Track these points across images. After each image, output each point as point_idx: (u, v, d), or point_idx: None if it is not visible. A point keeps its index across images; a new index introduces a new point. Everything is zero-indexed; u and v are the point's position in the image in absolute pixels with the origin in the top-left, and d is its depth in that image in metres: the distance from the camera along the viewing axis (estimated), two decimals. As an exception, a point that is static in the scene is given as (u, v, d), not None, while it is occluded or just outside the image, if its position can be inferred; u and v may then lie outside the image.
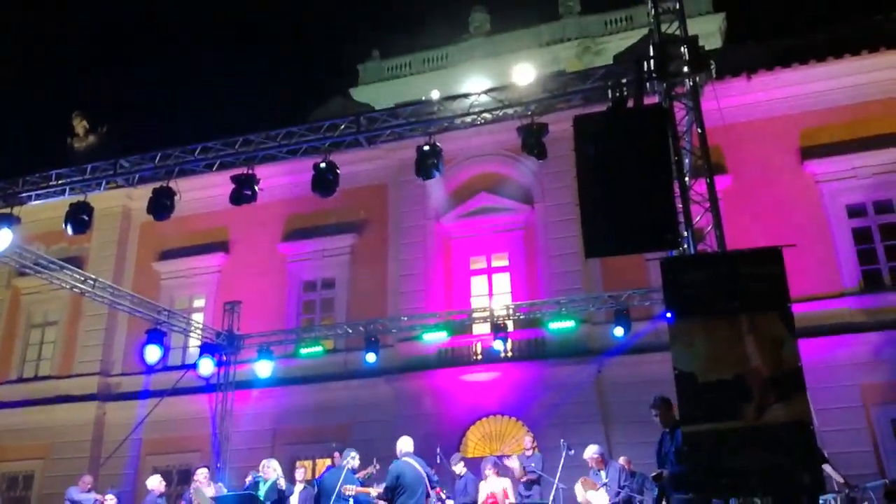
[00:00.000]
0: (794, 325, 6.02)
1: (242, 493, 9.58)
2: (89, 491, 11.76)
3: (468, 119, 8.78)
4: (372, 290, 17.20)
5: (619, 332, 12.26)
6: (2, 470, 18.36)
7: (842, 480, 8.91)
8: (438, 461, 10.85)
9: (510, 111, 8.62)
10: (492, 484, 9.96)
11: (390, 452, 9.34)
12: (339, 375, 16.46)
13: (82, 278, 12.51)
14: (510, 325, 14.42)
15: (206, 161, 9.40)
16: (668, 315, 6.27)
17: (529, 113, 8.48)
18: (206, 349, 13.64)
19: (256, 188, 9.02)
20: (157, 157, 9.43)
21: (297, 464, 14.67)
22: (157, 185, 9.29)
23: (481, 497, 10.03)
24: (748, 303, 6.06)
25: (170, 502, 12.15)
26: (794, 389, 5.81)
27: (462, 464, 10.57)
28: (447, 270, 17.01)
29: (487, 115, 8.69)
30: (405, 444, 9.20)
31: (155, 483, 11.14)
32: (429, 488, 8.94)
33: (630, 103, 7.61)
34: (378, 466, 10.98)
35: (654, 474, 7.15)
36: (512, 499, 9.83)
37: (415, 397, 15.79)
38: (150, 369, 16.62)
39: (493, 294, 16.65)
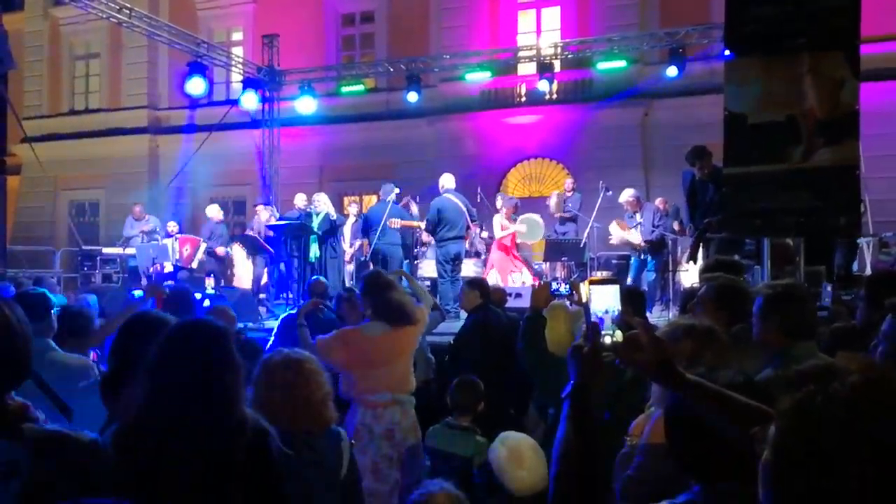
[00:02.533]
0: (858, 66, 5.68)
1: (295, 222, 10.06)
2: (141, 220, 12.17)
3: None
4: (413, 24, 16.50)
5: (672, 71, 11.63)
6: (69, 198, 19.66)
7: None
8: (479, 200, 11.18)
9: None
10: (504, 222, 10.06)
11: (433, 191, 9.62)
12: (381, 115, 16.49)
13: (118, 7, 12.18)
14: (557, 65, 13.90)
15: None
16: (727, 52, 5.94)
17: None
18: (248, 84, 13.56)
19: None
20: None
21: (347, 199, 15.33)
22: None
23: (496, 233, 10.08)
24: (814, 40, 5.67)
25: (228, 229, 12.87)
26: (846, 133, 5.64)
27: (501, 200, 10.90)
28: (493, 3, 16.08)
29: None
30: (447, 181, 9.42)
31: (214, 212, 11.62)
32: (469, 222, 9.32)
33: None
34: (416, 200, 11.40)
35: (704, 223, 7.23)
36: (498, 234, 9.94)
37: (456, 139, 15.87)
38: (195, 103, 16.85)
39: (540, 31, 15.86)
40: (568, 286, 7.80)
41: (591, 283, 1.52)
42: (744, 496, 1.02)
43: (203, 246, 11.15)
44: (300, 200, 10.69)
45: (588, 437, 1.36)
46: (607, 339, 1.45)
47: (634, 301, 4.09)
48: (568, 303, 4.65)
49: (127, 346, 2.30)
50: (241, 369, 2.04)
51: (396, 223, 9.61)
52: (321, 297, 5.79)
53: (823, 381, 0.94)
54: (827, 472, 0.88)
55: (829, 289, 6.99)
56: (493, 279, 9.17)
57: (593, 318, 1.47)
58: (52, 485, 1.64)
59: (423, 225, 9.73)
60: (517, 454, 3.26)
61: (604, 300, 1.49)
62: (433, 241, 9.75)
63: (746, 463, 1.14)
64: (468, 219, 9.25)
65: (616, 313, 1.47)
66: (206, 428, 1.91)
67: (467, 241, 10.01)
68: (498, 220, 9.91)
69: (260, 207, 11.27)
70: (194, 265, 10.86)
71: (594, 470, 1.33)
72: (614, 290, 1.50)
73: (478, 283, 5.84)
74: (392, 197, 9.81)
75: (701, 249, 7.36)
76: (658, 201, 10.32)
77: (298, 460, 2.43)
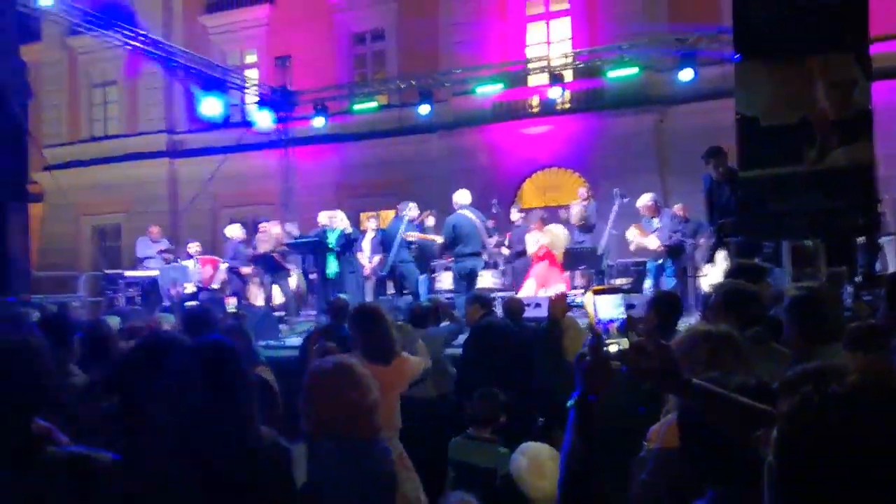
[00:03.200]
0: (870, 67, 5.65)
1: (311, 239, 10.16)
2: (158, 242, 12.21)
3: None
4: (423, 40, 16.60)
5: (686, 75, 11.57)
6: (92, 223, 19.96)
7: None
8: (495, 212, 11.21)
9: None
10: (538, 236, 10.22)
11: (448, 206, 9.66)
12: (394, 131, 16.58)
13: (133, 34, 12.41)
14: (568, 75, 13.93)
15: None
16: (736, 56, 5.94)
17: None
18: (262, 104, 13.76)
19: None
20: None
21: (363, 216, 15.41)
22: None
23: (531, 248, 10.31)
24: (823, 41, 5.66)
25: (250, 248, 12.89)
26: (860, 133, 5.61)
27: (517, 212, 10.92)
28: (502, 16, 16.15)
29: None
30: (462, 197, 9.47)
31: (235, 231, 11.60)
32: (485, 238, 9.35)
33: None
34: (434, 213, 11.45)
35: (717, 223, 7.23)
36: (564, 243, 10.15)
37: (470, 152, 15.91)
38: (212, 126, 17.09)
39: (550, 42, 15.91)
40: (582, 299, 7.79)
41: (595, 292, 1.53)
42: (758, 501, 1.02)
43: (223, 266, 11.23)
44: (323, 218, 10.76)
45: (592, 445, 1.37)
46: (613, 348, 1.46)
47: (668, 305, 4.02)
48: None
49: (139, 367, 2.33)
50: (255, 388, 2.07)
51: (413, 236, 9.67)
52: (341, 314, 5.82)
53: (822, 382, 0.94)
54: (828, 474, 0.89)
55: (849, 289, 6.91)
56: (529, 291, 9.29)
57: (598, 327, 1.48)
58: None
59: (439, 238, 9.77)
60: (537, 464, 3.26)
61: (607, 309, 1.50)
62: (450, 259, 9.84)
63: (758, 468, 1.14)
64: (484, 234, 9.29)
65: (621, 321, 1.48)
66: (220, 448, 1.94)
67: (485, 255, 10.07)
68: (533, 238, 10.03)
69: (265, 225, 11.18)
70: (215, 285, 10.96)
71: (599, 478, 1.34)
72: (617, 298, 1.51)
73: (478, 297, 5.98)
74: (409, 213, 9.86)
75: (720, 251, 7.32)
76: (676, 207, 10.25)
77: (353, 469, 2.43)
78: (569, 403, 1.43)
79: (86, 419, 2.25)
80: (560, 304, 3.83)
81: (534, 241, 9.98)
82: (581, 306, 6.88)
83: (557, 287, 9.77)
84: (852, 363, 0.97)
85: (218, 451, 1.93)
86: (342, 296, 6.91)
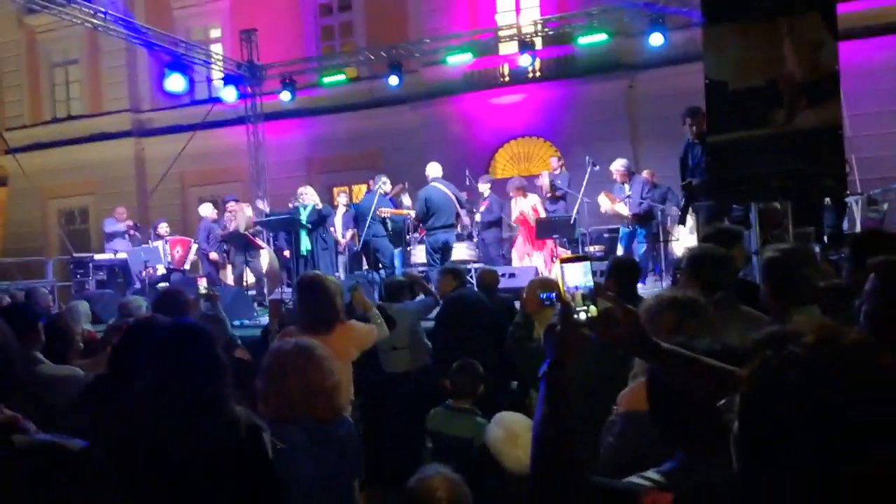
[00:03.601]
0: (836, 26, 5.65)
1: (284, 217, 10.08)
2: (124, 220, 12.11)
3: None
4: (391, 10, 16.40)
5: (656, 39, 11.51)
6: (58, 206, 19.58)
7: None
8: (468, 184, 11.17)
9: None
10: (520, 204, 10.32)
11: (421, 178, 9.61)
12: (365, 104, 16.41)
13: (92, 12, 12.06)
14: (538, 43, 13.83)
15: None
16: (704, 19, 5.91)
17: None
18: (228, 80, 13.51)
19: None
20: None
21: (336, 190, 15.29)
22: None
23: (513, 217, 10.45)
24: (790, 2, 5.64)
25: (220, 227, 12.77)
26: (828, 94, 5.62)
27: (487, 185, 10.91)
28: (470, -16, 15.97)
29: None
30: (433, 170, 9.43)
31: (207, 211, 11.46)
32: (458, 209, 9.33)
33: None
34: (407, 187, 11.39)
35: (683, 183, 7.30)
36: (542, 213, 10.23)
37: (442, 123, 15.82)
38: (178, 103, 16.77)
39: (520, 9, 15.78)
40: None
41: (562, 261, 1.52)
42: (727, 462, 1.03)
43: (194, 247, 11.09)
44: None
45: (564, 416, 1.36)
46: (582, 316, 1.45)
47: (625, 272, 4.08)
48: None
49: (125, 351, 2.31)
50: (228, 369, 2.04)
51: (386, 212, 9.63)
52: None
53: (781, 345, 0.94)
54: (788, 438, 0.89)
55: (816, 249, 7.01)
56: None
57: (566, 293, 1.48)
58: (42, 492, 1.65)
59: (412, 213, 9.75)
60: (512, 434, 3.28)
61: (575, 277, 1.49)
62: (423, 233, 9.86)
63: (726, 429, 1.15)
64: (457, 206, 9.26)
65: (589, 289, 1.47)
66: (196, 429, 1.92)
67: (458, 227, 10.07)
68: (531, 201, 10.15)
69: (233, 204, 11.05)
70: (186, 266, 10.83)
71: (571, 448, 1.34)
72: (585, 266, 1.50)
73: (450, 270, 5.96)
74: (383, 188, 9.79)
75: (690, 214, 7.38)
76: (646, 173, 10.32)
77: (323, 448, 2.43)
78: (539, 373, 1.42)
79: (53, 406, 2.22)
80: (533, 300, 3.85)
81: (517, 210, 10.08)
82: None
83: (536, 258, 9.87)
84: (810, 324, 0.97)
85: (195, 431, 1.91)
86: (312, 273, 6.86)
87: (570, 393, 1.39)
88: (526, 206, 10.26)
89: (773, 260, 2.80)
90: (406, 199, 11.25)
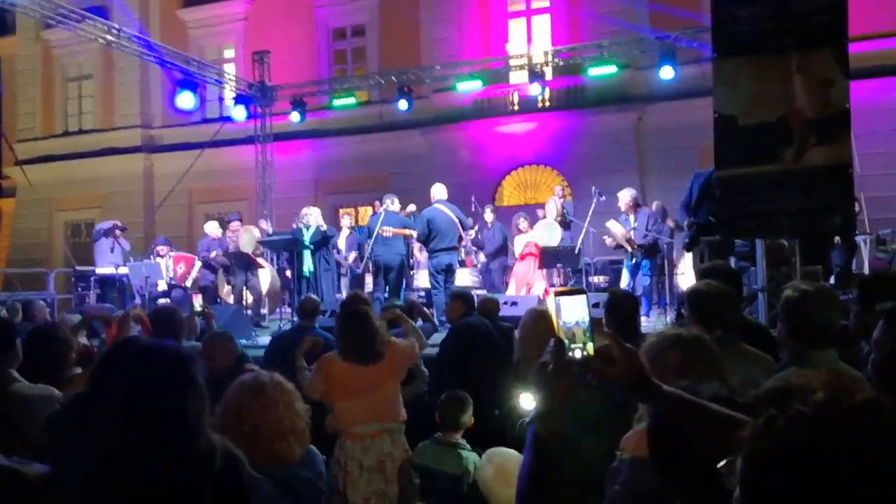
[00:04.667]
0: (847, 65, 5.62)
1: (287, 237, 10.03)
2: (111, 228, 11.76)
3: None
4: (404, 36, 16.51)
5: (666, 73, 11.52)
6: (65, 218, 19.63)
7: None
8: (473, 209, 11.12)
9: None
10: (527, 236, 10.23)
11: (429, 202, 9.57)
12: (374, 127, 16.46)
13: (107, 28, 12.16)
14: (548, 73, 13.87)
15: None
16: (715, 54, 5.89)
17: None
18: (239, 100, 13.58)
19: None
20: None
21: (341, 212, 15.28)
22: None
23: (518, 250, 10.32)
24: (801, 40, 5.61)
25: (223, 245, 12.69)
26: (838, 132, 5.57)
27: (490, 212, 10.85)
28: (483, 13, 16.08)
29: None
30: (438, 192, 9.37)
31: (212, 228, 11.43)
32: (461, 232, 9.26)
33: None
34: (415, 210, 11.33)
35: (687, 222, 7.21)
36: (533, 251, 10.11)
37: (450, 149, 15.83)
38: (189, 121, 16.86)
39: (531, 39, 15.86)
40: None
41: (558, 294, 1.40)
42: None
43: (198, 265, 11.04)
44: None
45: (552, 469, 1.25)
46: (577, 353, 1.35)
47: (624, 307, 3.98)
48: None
49: (104, 371, 2.22)
50: (205, 395, 1.96)
51: (389, 231, 9.55)
52: (312, 315, 5.69)
53: (786, 402, 0.86)
54: (793, 500, 0.80)
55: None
56: (512, 291, 9.39)
57: (562, 329, 1.36)
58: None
59: (416, 233, 9.68)
60: (504, 472, 3.16)
61: (573, 312, 1.38)
62: (425, 253, 9.77)
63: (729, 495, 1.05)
64: (460, 229, 9.19)
65: (587, 324, 1.36)
66: (170, 456, 1.83)
67: (463, 251, 10.00)
68: (521, 240, 10.08)
69: (237, 224, 10.96)
70: (188, 283, 10.77)
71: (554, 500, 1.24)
72: (582, 299, 1.39)
73: (461, 295, 5.82)
74: (392, 206, 9.73)
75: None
76: (654, 205, 10.25)
77: (287, 496, 2.30)
78: (528, 420, 1.32)
79: (23, 427, 2.13)
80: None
81: (522, 244, 10.00)
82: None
83: (539, 286, 9.74)
84: (816, 379, 0.88)
85: (168, 459, 1.82)
86: (313, 296, 6.78)
87: (561, 441, 1.28)
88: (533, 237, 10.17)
89: (791, 300, 2.70)
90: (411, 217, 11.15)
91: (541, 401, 1.31)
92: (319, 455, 2.51)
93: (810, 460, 0.80)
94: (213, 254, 10.82)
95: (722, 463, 1.12)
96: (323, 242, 9.64)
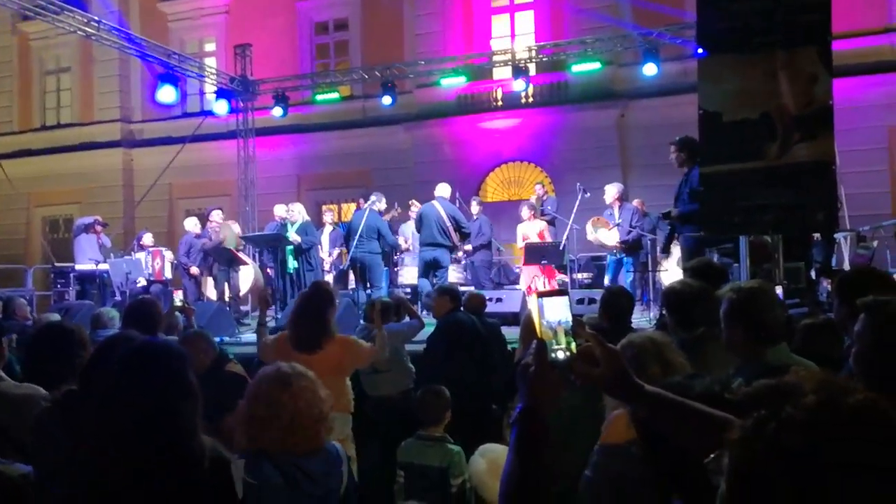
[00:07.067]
0: (831, 62, 5.66)
1: (271, 233, 9.95)
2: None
3: None
4: (387, 32, 16.43)
5: (650, 69, 11.57)
6: (43, 214, 19.35)
7: None
8: (458, 205, 11.10)
9: None
10: (526, 226, 10.25)
11: (410, 198, 9.59)
12: (357, 123, 16.39)
13: (86, 20, 11.97)
14: (532, 69, 13.87)
15: None
16: (700, 51, 5.91)
17: None
18: (220, 94, 13.44)
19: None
20: None
21: (323, 208, 15.19)
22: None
23: (519, 238, 10.40)
24: (787, 36, 5.65)
25: (204, 240, 12.51)
26: (821, 128, 5.62)
27: (476, 204, 10.86)
28: (467, 8, 16.05)
29: None
30: (440, 190, 9.59)
31: (191, 225, 11.31)
32: (445, 224, 9.27)
33: None
34: (399, 210, 11.30)
35: (663, 212, 7.26)
36: (549, 238, 10.17)
37: (434, 144, 15.80)
38: (169, 115, 16.66)
39: (515, 35, 15.85)
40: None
41: (540, 295, 1.38)
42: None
43: (167, 255, 10.92)
44: (280, 210, 10.50)
45: (536, 469, 1.23)
46: (560, 355, 1.33)
47: (619, 303, 3.98)
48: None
49: (93, 369, 2.18)
50: (199, 396, 1.92)
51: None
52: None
53: (776, 406, 0.84)
54: None
55: (825, 283, 7.01)
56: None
57: (545, 329, 1.33)
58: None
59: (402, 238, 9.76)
60: (496, 466, 3.16)
61: (555, 312, 1.36)
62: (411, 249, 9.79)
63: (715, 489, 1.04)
64: (450, 227, 9.21)
65: (569, 324, 1.35)
66: (160, 459, 1.80)
67: (460, 252, 10.10)
68: (525, 228, 10.18)
69: (219, 215, 10.78)
70: (168, 275, 10.67)
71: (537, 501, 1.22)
72: (564, 300, 1.38)
73: (448, 290, 5.83)
74: (378, 205, 9.70)
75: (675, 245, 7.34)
76: (636, 202, 10.29)
77: (287, 484, 2.27)
78: (511, 420, 1.30)
79: (9, 427, 2.08)
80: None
81: (524, 232, 10.10)
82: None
83: (539, 282, 9.76)
84: (808, 380, 0.87)
85: (158, 461, 1.79)
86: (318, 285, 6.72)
87: (545, 441, 1.26)
88: (531, 230, 10.20)
89: (736, 301, 2.65)
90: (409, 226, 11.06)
91: (524, 401, 1.29)
92: (335, 447, 2.47)
93: (802, 467, 0.79)
94: (201, 243, 10.60)
95: (709, 458, 1.11)
96: (308, 241, 9.60)
